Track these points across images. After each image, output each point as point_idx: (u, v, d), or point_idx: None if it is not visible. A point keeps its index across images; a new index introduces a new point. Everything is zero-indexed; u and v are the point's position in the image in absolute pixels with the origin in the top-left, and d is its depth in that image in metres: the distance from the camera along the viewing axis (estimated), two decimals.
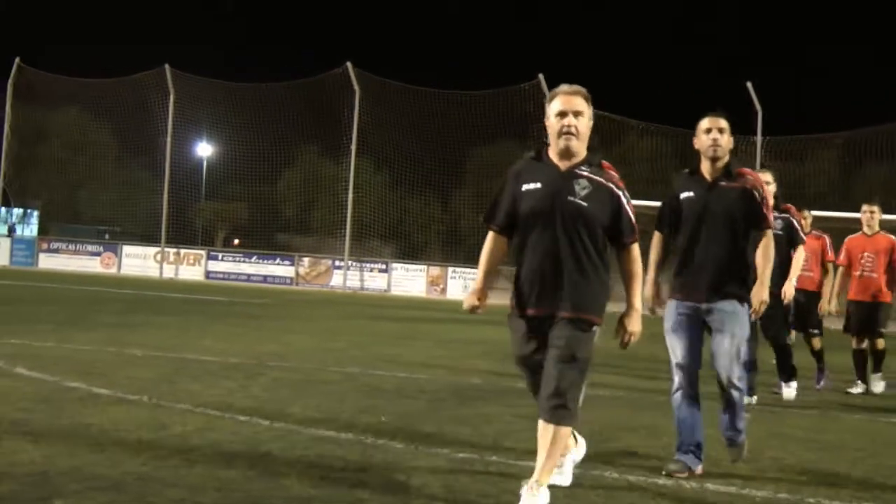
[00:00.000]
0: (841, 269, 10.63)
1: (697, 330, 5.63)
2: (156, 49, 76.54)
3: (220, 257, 33.50)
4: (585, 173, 4.67)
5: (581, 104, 4.69)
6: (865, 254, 10.46)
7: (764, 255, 5.86)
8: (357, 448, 5.64)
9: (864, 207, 10.69)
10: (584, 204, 4.60)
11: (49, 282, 24.51)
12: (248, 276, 32.25)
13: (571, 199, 4.60)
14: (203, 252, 34.15)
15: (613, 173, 4.76)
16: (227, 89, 36.16)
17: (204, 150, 43.77)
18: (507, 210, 4.78)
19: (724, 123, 5.79)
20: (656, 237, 5.92)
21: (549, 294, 4.59)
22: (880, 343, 10.48)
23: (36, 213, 52.03)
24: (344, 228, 32.92)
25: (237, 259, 33.37)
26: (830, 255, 10.62)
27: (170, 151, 34.85)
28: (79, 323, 13.20)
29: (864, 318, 10.44)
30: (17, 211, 49.19)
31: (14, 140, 36.63)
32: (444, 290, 30.56)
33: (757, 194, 5.70)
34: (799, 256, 8.93)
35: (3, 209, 42.76)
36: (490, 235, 4.89)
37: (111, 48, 73.48)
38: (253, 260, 32.98)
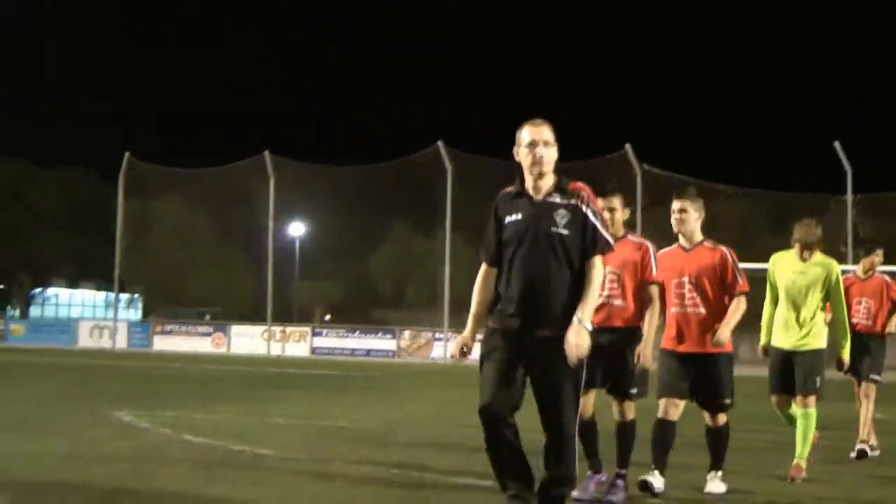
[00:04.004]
0: (657, 292, 6.67)
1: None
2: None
3: (324, 333, 34.88)
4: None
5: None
6: (685, 279, 6.77)
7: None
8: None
9: (675, 204, 6.85)
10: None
11: (168, 362, 25.95)
12: (352, 350, 33.48)
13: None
14: (308, 329, 35.61)
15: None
16: (323, 172, 37.77)
17: (296, 229, 45.48)
18: None
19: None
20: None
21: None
22: (720, 419, 6.85)
23: (140, 298, 54.50)
24: (438, 301, 33.97)
25: (340, 335, 34.70)
26: (652, 273, 6.56)
27: (272, 234, 36.45)
28: (216, 397, 14.37)
29: (673, 376, 6.73)
30: (125, 296, 51.61)
31: (126, 230, 38.66)
32: None
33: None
34: (597, 273, 5.05)
35: (111, 295, 44.91)
36: None
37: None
38: (356, 335, 34.29)
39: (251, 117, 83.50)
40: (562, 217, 5.00)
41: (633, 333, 6.46)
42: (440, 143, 34.28)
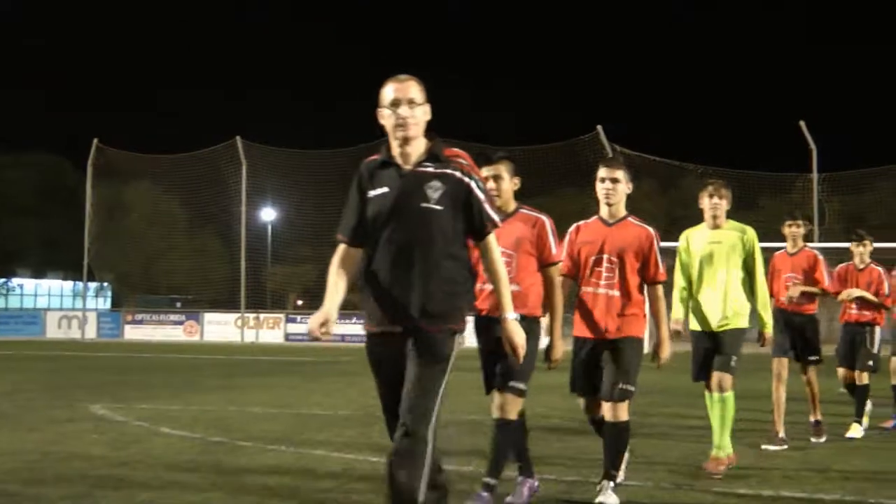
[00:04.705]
0: (558, 274, 5.85)
1: None
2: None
3: (297, 319, 34.79)
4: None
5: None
6: (604, 256, 6.09)
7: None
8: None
9: (603, 173, 6.16)
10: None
11: (139, 352, 25.80)
12: None
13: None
14: (282, 315, 35.50)
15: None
16: (294, 157, 37.62)
17: (268, 214, 45.28)
18: None
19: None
20: None
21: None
22: (620, 410, 5.88)
23: (110, 287, 54.12)
24: None
25: None
26: (551, 251, 5.76)
27: (244, 220, 36.26)
28: (191, 387, 14.30)
29: (590, 367, 6.07)
30: (94, 285, 51.20)
31: (95, 217, 38.31)
32: None
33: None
34: (496, 255, 4.43)
35: (79, 284, 44.52)
36: None
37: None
38: None
39: (224, 104, 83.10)
40: (435, 190, 4.23)
41: (532, 323, 5.53)
42: None
